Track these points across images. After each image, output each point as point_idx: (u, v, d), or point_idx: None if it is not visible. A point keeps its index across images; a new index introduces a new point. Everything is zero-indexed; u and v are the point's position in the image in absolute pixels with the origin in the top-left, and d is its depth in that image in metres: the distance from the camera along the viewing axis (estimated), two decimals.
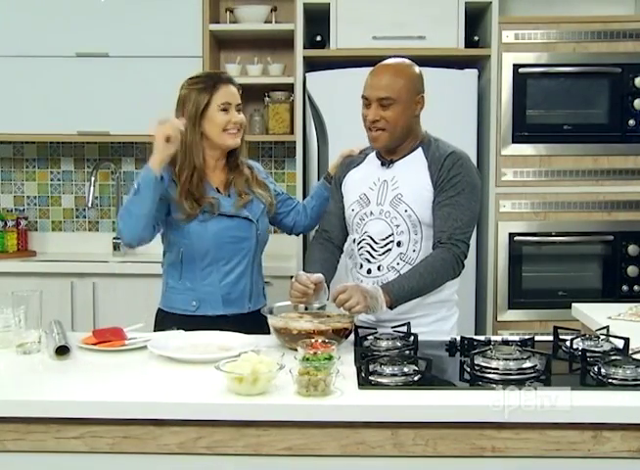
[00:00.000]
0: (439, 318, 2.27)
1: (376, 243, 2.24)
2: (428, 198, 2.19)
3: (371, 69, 2.25)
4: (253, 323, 2.27)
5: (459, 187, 2.17)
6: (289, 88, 3.61)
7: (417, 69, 2.24)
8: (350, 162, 2.38)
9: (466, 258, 2.20)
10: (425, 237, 2.21)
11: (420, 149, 2.25)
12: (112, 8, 3.56)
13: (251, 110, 3.82)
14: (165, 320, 2.32)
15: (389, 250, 2.22)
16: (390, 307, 2.08)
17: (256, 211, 2.37)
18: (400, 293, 2.09)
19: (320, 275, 2.16)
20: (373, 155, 2.32)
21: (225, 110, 2.29)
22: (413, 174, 2.22)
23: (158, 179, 2.17)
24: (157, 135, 2.17)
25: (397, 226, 2.22)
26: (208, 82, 2.29)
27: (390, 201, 2.22)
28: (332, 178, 2.47)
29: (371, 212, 2.25)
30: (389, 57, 2.29)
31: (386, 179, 2.25)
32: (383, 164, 2.28)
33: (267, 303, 2.42)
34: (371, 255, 2.25)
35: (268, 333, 2.06)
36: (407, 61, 2.27)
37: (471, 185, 2.20)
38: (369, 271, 2.25)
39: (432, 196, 2.19)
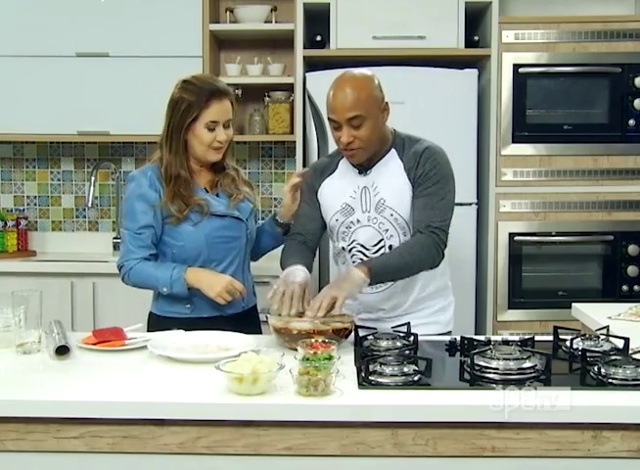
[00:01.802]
0: (438, 309, 2.31)
1: (367, 249, 2.24)
2: (410, 198, 2.19)
3: (334, 85, 2.14)
4: (247, 321, 2.27)
5: (434, 179, 2.17)
6: (289, 88, 3.61)
7: (375, 77, 2.17)
8: (323, 169, 2.33)
9: (445, 247, 2.18)
10: None
11: (393, 150, 2.23)
12: (112, 8, 3.56)
13: (251, 110, 3.82)
14: (160, 324, 2.26)
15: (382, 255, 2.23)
16: (370, 283, 2.07)
17: (246, 210, 2.35)
18: (379, 267, 2.08)
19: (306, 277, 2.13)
20: (345, 161, 2.29)
21: (212, 128, 2.22)
22: (391, 178, 2.21)
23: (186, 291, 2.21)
24: (224, 286, 2.18)
25: (386, 231, 2.22)
26: (201, 95, 2.19)
27: (375, 207, 2.22)
28: (281, 225, 2.40)
29: (358, 220, 2.24)
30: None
31: (365, 186, 2.24)
32: (360, 173, 2.25)
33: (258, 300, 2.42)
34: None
35: (261, 331, 2.05)
36: (363, 71, 2.18)
37: (445, 176, 2.20)
38: None
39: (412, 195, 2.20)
